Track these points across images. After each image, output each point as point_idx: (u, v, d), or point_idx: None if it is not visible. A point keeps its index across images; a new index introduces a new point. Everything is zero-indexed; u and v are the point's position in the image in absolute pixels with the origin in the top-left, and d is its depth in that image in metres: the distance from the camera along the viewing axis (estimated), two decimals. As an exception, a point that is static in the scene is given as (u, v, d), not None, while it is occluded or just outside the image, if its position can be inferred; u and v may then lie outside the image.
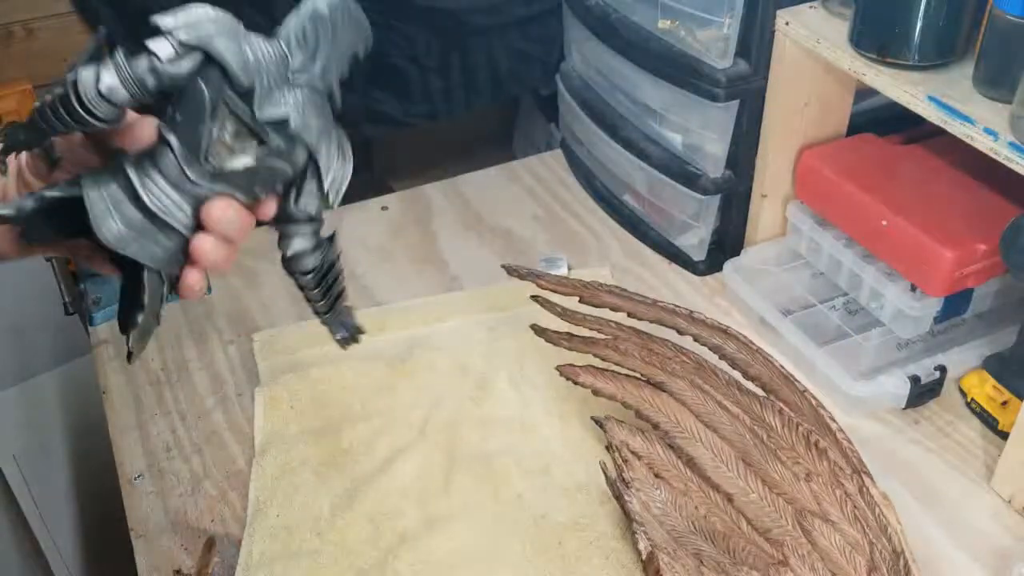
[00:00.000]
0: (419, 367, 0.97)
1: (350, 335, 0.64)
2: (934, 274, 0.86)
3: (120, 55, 0.46)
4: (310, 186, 0.54)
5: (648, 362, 0.84)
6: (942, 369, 0.90)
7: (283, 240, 0.56)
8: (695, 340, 0.84)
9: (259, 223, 0.53)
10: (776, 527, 0.75)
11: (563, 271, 1.09)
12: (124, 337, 0.51)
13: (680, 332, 0.85)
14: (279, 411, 0.93)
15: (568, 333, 0.87)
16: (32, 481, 1.30)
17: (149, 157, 0.48)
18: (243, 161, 0.50)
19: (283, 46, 0.51)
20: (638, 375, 0.84)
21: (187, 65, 0.47)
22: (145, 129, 0.51)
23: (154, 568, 0.80)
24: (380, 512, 0.83)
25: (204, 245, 0.50)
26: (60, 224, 0.49)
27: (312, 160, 0.52)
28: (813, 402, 0.78)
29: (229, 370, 1.00)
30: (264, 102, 0.50)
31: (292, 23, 0.51)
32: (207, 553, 0.75)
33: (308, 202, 0.54)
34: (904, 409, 0.90)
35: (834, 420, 0.77)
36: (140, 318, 0.50)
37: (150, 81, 0.47)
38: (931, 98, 0.79)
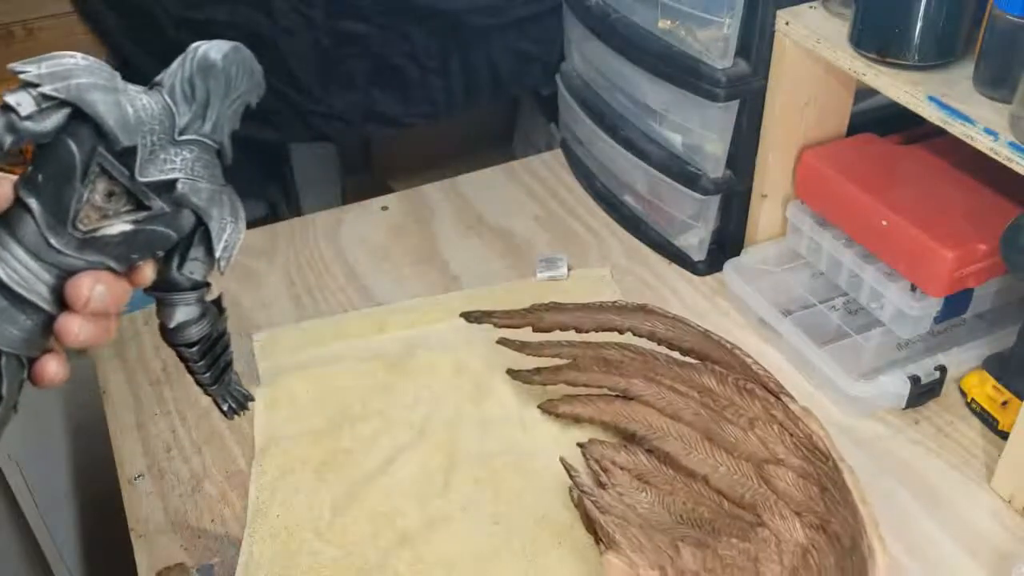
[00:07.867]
0: (419, 367, 0.97)
1: (238, 405, 0.58)
2: (934, 274, 0.86)
3: None
4: (197, 251, 0.48)
5: (605, 371, 0.85)
6: (942, 369, 0.90)
7: (164, 309, 0.50)
8: (632, 333, 0.84)
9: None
10: (746, 491, 0.76)
11: (563, 271, 1.10)
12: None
13: (619, 331, 0.85)
14: (279, 411, 0.93)
15: (536, 368, 0.89)
16: (32, 481, 1.29)
17: (4, 223, 0.42)
18: (119, 227, 0.44)
19: (168, 100, 0.45)
20: (606, 390, 0.85)
21: (52, 122, 0.41)
22: (1, 190, 0.43)
23: (154, 568, 0.80)
24: (380, 512, 0.83)
25: (70, 325, 0.43)
26: None
27: (201, 224, 0.47)
28: (738, 353, 0.79)
29: (229, 370, 1.00)
30: (147, 164, 0.44)
31: (178, 74, 0.45)
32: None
33: (194, 268, 0.48)
34: (904, 409, 0.90)
35: (749, 356, 0.79)
36: None
37: (7, 140, 0.41)
38: (931, 98, 0.79)
